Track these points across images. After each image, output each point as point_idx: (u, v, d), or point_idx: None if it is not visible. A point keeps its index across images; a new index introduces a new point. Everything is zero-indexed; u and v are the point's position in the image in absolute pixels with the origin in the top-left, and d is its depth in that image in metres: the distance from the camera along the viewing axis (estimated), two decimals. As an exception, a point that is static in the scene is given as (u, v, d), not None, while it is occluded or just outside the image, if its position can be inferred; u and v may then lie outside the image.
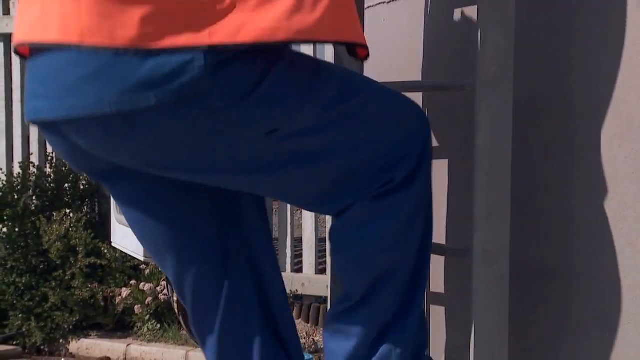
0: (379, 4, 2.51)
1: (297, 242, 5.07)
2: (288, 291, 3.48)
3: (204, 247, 1.80)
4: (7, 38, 5.66)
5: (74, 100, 1.57)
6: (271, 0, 1.54)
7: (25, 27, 1.66)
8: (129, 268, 4.85)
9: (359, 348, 1.77)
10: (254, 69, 1.57)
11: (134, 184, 1.77)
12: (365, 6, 2.25)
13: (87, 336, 4.88)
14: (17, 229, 4.97)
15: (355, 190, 1.72)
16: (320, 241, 4.79)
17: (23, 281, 4.84)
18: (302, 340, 4.36)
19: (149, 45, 1.51)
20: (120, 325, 4.94)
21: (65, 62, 1.56)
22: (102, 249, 4.78)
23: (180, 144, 1.61)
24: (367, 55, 1.68)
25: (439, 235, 2.21)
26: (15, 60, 5.75)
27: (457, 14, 2.15)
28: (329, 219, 2.25)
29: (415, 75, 2.27)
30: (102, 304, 4.87)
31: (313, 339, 4.43)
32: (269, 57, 1.58)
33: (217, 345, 1.83)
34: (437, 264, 2.24)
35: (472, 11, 1.87)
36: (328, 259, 2.46)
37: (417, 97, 2.28)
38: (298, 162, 1.68)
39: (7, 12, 5.71)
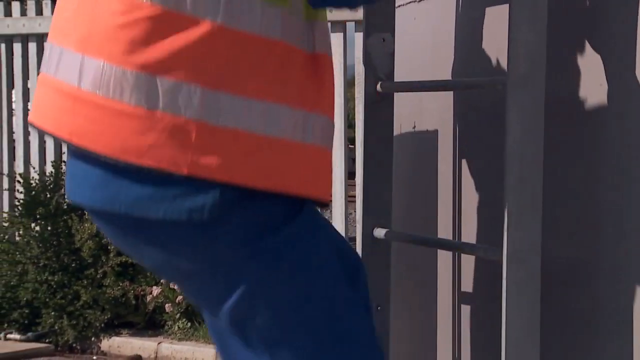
0: (410, 2, 2.50)
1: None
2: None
3: None
4: (40, 38, 5.70)
5: (92, 192, 1.62)
6: (256, 145, 1.58)
7: (35, 107, 1.71)
8: (160, 267, 4.87)
9: None
10: (278, 211, 1.61)
11: None
12: (396, 5, 2.25)
13: (118, 334, 4.91)
14: (49, 228, 5.01)
15: None
16: (350, 240, 4.78)
17: (55, 279, 4.88)
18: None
19: (132, 160, 1.54)
20: (151, 323, 4.96)
21: (84, 152, 1.60)
22: (134, 247, 4.81)
23: (180, 255, 1.63)
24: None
25: (470, 234, 2.20)
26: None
27: (488, 12, 2.15)
28: (359, 218, 2.25)
29: (446, 74, 2.27)
30: (133, 302, 4.89)
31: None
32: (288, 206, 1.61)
33: None
34: (467, 263, 2.23)
35: (503, 9, 1.87)
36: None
37: (448, 96, 2.28)
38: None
39: (40, 12, 5.75)
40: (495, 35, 2.10)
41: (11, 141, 5.87)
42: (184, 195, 1.54)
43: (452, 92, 2.27)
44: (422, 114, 2.41)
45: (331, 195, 1.70)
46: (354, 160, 5.14)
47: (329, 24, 2.58)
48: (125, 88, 1.54)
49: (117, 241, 1.73)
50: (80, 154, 1.62)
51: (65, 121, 1.60)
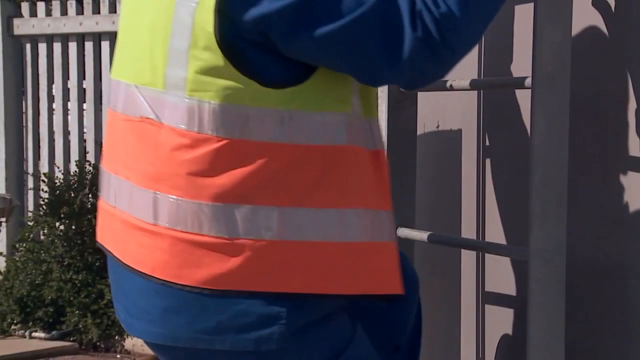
0: (434, 2, 2.50)
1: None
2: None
3: None
4: (64, 38, 5.73)
5: (152, 328, 1.63)
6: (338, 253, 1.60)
7: (108, 233, 1.75)
8: (183, 266, 4.88)
9: None
10: (338, 337, 1.64)
11: None
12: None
13: (142, 333, 4.93)
14: (73, 227, 5.03)
15: None
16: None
17: (79, 278, 4.90)
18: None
19: (218, 288, 1.56)
20: (174, 322, 4.97)
21: (148, 286, 1.62)
22: (157, 246, 4.82)
23: None
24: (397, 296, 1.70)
25: (495, 234, 2.20)
26: (72, 60, 5.81)
27: (514, 11, 2.14)
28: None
29: (472, 73, 2.26)
30: (157, 301, 4.91)
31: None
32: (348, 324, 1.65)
33: None
34: (492, 263, 2.23)
35: (529, 8, 1.86)
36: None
37: (471, 96, 2.27)
38: None
39: (65, 12, 5.78)
40: (521, 35, 2.09)
41: (36, 141, 5.90)
42: (251, 325, 1.56)
43: (475, 92, 2.26)
44: (446, 113, 2.40)
45: (403, 288, 1.70)
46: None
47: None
48: (203, 220, 1.56)
49: None
50: (136, 286, 1.64)
51: (146, 256, 1.62)
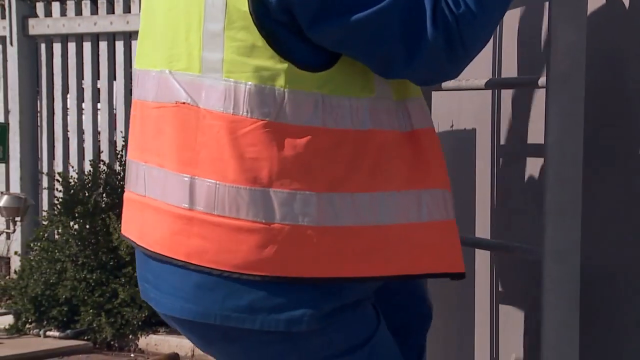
0: (448, 1, 2.50)
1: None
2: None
3: None
4: (79, 38, 5.75)
5: (183, 304, 1.63)
6: (376, 237, 1.60)
7: (135, 224, 1.74)
8: (197, 265, 4.89)
9: None
10: (366, 324, 1.65)
11: None
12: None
13: (155, 332, 4.94)
14: (87, 226, 5.05)
15: None
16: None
17: (93, 277, 4.92)
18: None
19: (255, 273, 1.56)
20: (188, 321, 4.98)
21: (178, 276, 1.62)
22: (171, 246, 4.83)
23: None
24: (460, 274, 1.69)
25: (508, 234, 2.19)
26: (87, 59, 5.83)
27: (527, 11, 2.14)
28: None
29: (486, 72, 2.26)
30: (171, 300, 4.91)
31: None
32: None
33: None
34: (505, 263, 2.22)
35: (543, 7, 1.86)
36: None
37: (485, 95, 2.27)
38: None
39: (79, 12, 5.80)
40: (535, 34, 2.09)
41: (51, 140, 5.93)
42: (283, 306, 1.56)
43: (489, 91, 2.26)
44: (460, 113, 2.40)
45: (463, 266, 1.69)
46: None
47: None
48: (241, 205, 1.55)
49: (202, 345, 1.74)
50: (167, 266, 1.64)
51: (180, 242, 1.61)
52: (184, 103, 1.61)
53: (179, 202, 1.61)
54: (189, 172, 1.60)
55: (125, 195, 1.81)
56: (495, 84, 2.20)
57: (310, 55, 1.55)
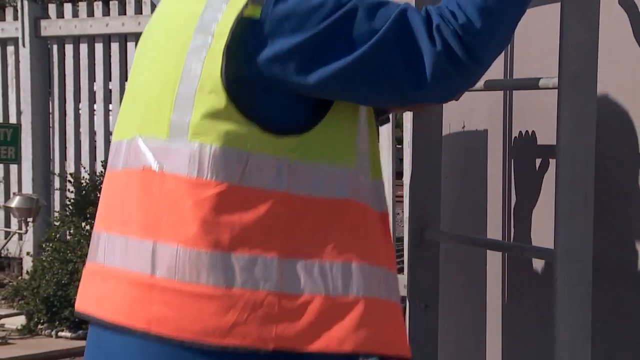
0: (459, 2, 2.49)
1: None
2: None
3: None
4: (91, 39, 5.77)
5: None
6: (339, 309, 1.55)
7: (92, 299, 1.69)
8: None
9: None
10: None
11: None
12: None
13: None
14: (99, 227, 5.06)
15: None
16: (397, 240, 4.77)
17: (105, 278, 4.93)
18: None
19: (216, 342, 1.51)
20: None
21: (134, 348, 1.57)
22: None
23: None
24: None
25: (520, 234, 2.19)
26: (98, 60, 5.84)
27: (539, 11, 2.13)
28: (405, 218, 2.25)
29: (498, 73, 2.26)
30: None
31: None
32: None
33: None
34: (517, 263, 2.22)
35: (555, 7, 1.85)
36: (405, 259, 2.46)
37: (498, 96, 2.27)
38: None
39: (91, 14, 5.82)
40: (547, 35, 2.08)
41: (63, 141, 5.94)
42: None
43: (501, 92, 2.26)
44: (472, 113, 2.40)
45: (410, 352, 1.67)
46: (401, 160, 5.13)
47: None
48: (201, 270, 1.52)
49: None
50: (128, 349, 1.58)
51: (140, 310, 1.57)
52: (150, 168, 1.59)
53: (141, 268, 1.57)
54: (152, 237, 1.57)
55: (84, 268, 1.76)
56: (508, 85, 2.20)
57: (287, 118, 1.54)
